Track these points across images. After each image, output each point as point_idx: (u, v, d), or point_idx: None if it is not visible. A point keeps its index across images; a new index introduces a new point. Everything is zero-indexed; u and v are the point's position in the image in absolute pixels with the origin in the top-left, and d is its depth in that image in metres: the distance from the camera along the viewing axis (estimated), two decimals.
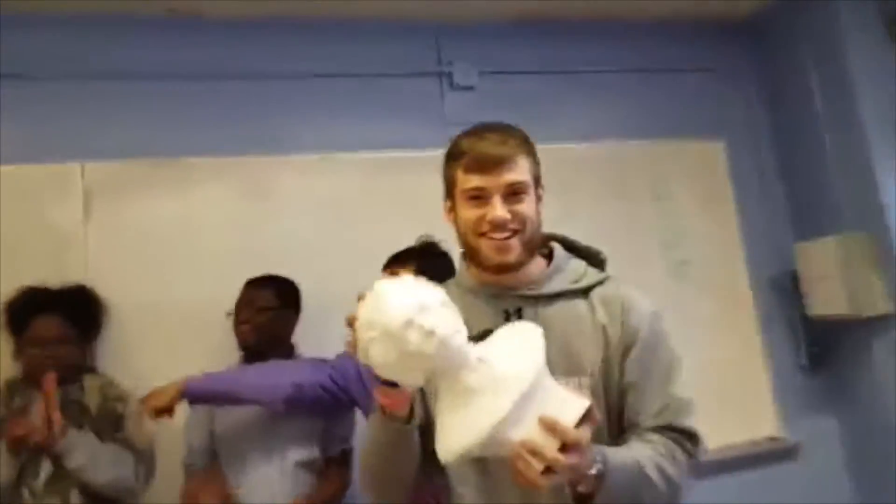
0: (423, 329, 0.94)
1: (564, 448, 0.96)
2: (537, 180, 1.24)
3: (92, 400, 1.94)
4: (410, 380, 1.00)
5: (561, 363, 1.14)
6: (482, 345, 1.04)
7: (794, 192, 3.06)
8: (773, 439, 2.85)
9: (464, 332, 1.00)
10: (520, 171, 1.19)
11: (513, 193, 1.18)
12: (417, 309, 0.95)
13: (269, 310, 2.14)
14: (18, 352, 1.97)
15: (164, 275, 2.33)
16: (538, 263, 1.25)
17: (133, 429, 1.95)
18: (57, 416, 1.79)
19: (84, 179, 2.32)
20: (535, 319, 1.16)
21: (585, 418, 1.00)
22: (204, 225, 2.42)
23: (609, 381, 1.18)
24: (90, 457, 1.84)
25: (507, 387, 0.96)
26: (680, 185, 2.96)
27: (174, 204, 2.41)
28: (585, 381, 1.17)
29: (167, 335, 2.28)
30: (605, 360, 1.18)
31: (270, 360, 2.10)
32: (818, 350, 2.94)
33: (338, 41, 2.66)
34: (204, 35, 2.52)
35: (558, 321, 1.19)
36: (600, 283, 1.25)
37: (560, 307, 1.21)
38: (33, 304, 1.97)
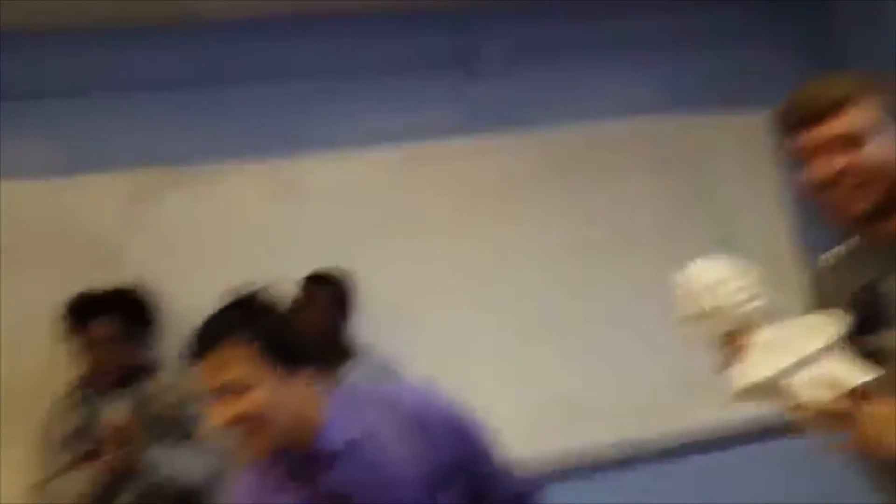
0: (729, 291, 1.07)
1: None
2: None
3: (158, 403, 2.04)
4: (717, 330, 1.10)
5: None
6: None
7: None
8: None
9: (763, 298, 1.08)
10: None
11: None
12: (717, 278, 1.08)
13: (324, 310, 2.20)
14: (80, 355, 2.07)
15: (207, 275, 2.37)
16: None
17: (202, 428, 2.02)
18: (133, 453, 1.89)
19: (127, 187, 2.41)
20: None
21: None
22: (240, 227, 2.48)
23: None
24: (171, 468, 1.96)
25: (794, 346, 1.04)
26: (724, 160, 2.90)
27: (212, 207, 2.47)
28: None
29: None
30: None
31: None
32: None
33: (357, 35, 2.65)
34: (228, 40, 2.56)
35: None
36: None
37: None
38: (88, 307, 2.07)
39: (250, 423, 1.12)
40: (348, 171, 2.58)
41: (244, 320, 1.17)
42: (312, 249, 2.42)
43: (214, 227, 2.47)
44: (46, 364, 2.15)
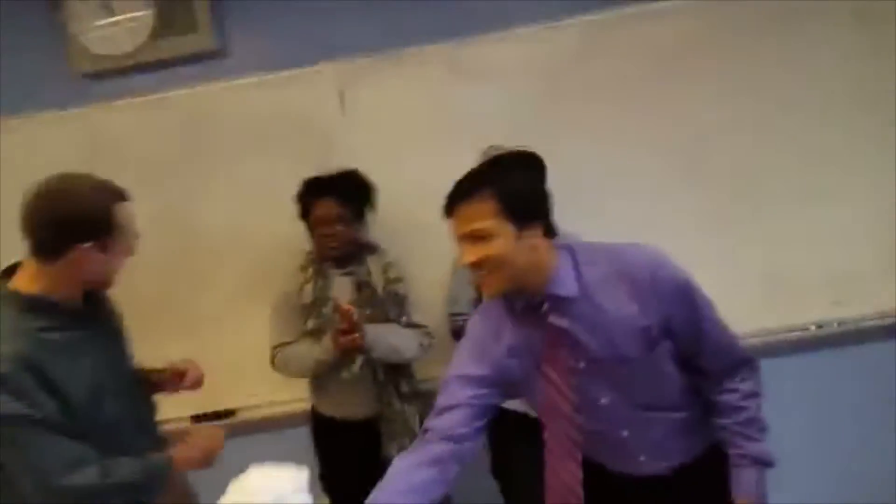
0: None
1: None
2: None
3: (377, 281, 2.27)
4: None
5: None
6: None
7: None
8: None
9: None
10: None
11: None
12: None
13: None
14: (311, 234, 2.31)
15: (417, 158, 2.54)
16: None
17: (411, 306, 2.31)
18: (359, 335, 2.15)
19: (337, 77, 2.58)
20: None
21: None
22: (443, 108, 2.57)
23: None
24: (388, 345, 2.21)
25: None
26: None
27: (416, 91, 2.58)
28: None
29: (422, 212, 2.53)
30: None
31: None
32: None
33: None
34: None
35: None
36: None
37: None
38: (312, 190, 2.28)
39: (490, 265, 1.33)
40: (537, 45, 2.56)
41: (492, 178, 1.34)
42: (503, 128, 2.44)
43: (417, 110, 2.58)
44: (288, 240, 2.41)
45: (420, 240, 2.46)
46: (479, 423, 1.45)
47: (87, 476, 1.42)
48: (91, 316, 1.58)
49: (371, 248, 2.37)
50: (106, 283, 1.57)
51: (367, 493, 1.43)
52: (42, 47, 2.60)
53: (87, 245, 1.45)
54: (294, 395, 2.51)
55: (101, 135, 2.57)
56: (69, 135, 2.57)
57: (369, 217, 2.37)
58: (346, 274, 2.29)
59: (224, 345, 2.55)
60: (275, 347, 2.31)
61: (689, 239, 2.33)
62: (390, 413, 2.25)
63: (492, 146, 2.15)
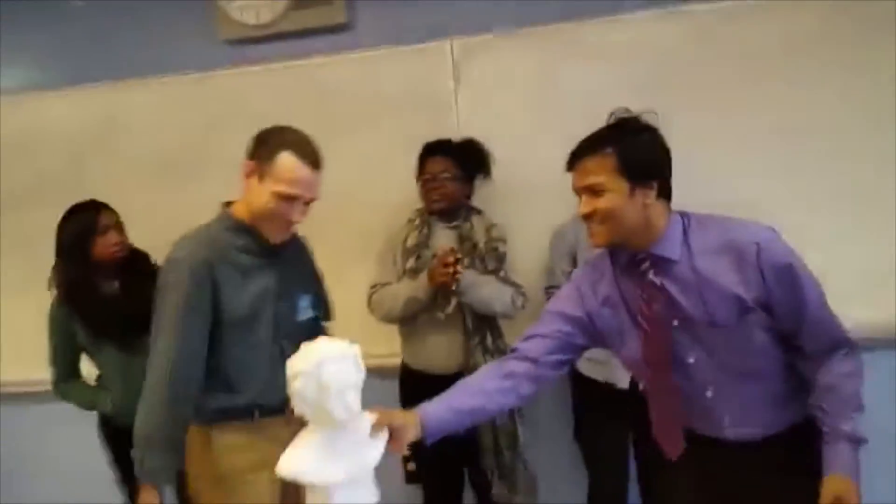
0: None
1: None
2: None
3: (479, 237, 2.39)
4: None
5: None
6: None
7: None
8: None
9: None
10: None
11: None
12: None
13: None
14: (423, 189, 2.45)
15: (524, 131, 2.68)
16: None
17: (508, 264, 2.40)
18: (456, 277, 2.25)
19: (454, 53, 2.75)
20: None
21: None
22: (555, 89, 2.69)
23: None
24: (481, 292, 2.31)
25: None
26: None
27: (527, 68, 2.71)
28: None
29: (529, 183, 2.65)
30: None
31: None
32: None
33: None
34: None
35: None
36: None
37: None
38: (429, 149, 2.45)
39: (600, 218, 1.44)
40: (653, 29, 2.64)
41: (614, 138, 1.45)
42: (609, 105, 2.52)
43: (529, 86, 2.72)
44: (398, 204, 2.60)
45: (523, 212, 2.60)
46: (560, 357, 1.57)
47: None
48: (281, 256, 1.84)
49: (477, 211, 2.49)
50: (261, 223, 1.77)
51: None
52: (192, 15, 2.91)
53: (253, 161, 1.73)
54: (390, 350, 2.66)
55: (237, 97, 2.83)
56: (209, 94, 2.85)
57: (480, 184, 2.50)
58: (451, 228, 2.42)
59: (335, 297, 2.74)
60: (373, 286, 2.45)
61: (795, 220, 2.36)
62: (474, 365, 2.31)
63: (620, 107, 2.25)
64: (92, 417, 2.55)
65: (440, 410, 1.49)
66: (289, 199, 1.72)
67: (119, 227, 2.42)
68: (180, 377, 1.70)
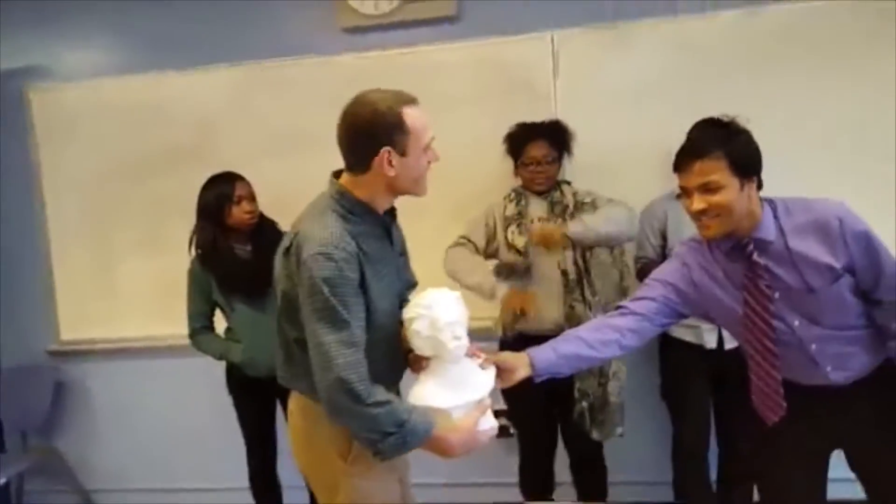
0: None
1: None
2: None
3: (568, 200, 2.63)
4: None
5: None
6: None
7: None
8: None
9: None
10: None
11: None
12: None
13: None
14: (516, 170, 2.70)
15: (619, 118, 2.92)
16: None
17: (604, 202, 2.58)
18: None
19: (553, 44, 2.98)
20: None
21: None
22: (645, 79, 2.91)
23: None
24: (597, 221, 2.49)
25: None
26: None
27: (621, 61, 2.93)
28: None
29: (617, 166, 2.90)
30: None
31: None
32: None
33: None
34: None
35: None
36: None
37: None
38: (527, 133, 2.66)
39: (715, 212, 1.66)
40: (746, 28, 2.85)
41: (723, 140, 1.67)
42: (707, 102, 2.72)
43: (618, 76, 2.94)
44: (495, 177, 2.87)
45: (614, 192, 2.78)
46: (663, 319, 1.84)
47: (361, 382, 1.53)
48: (390, 231, 1.75)
49: (566, 182, 2.72)
50: (417, 187, 1.67)
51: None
52: (315, 5, 3.17)
53: (386, 149, 1.58)
54: (485, 313, 2.88)
55: (353, 80, 3.03)
56: (326, 77, 3.11)
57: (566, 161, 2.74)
58: (543, 198, 2.66)
59: (433, 266, 2.98)
60: (460, 237, 2.67)
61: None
62: (572, 317, 2.50)
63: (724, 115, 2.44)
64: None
65: (548, 353, 1.76)
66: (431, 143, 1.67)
67: (252, 196, 2.70)
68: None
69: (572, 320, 2.46)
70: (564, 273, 2.55)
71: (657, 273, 1.89)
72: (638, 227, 2.62)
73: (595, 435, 2.56)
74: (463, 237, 2.68)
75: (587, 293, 2.54)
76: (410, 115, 1.60)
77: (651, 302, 1.82)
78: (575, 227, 2.48)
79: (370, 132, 1.59)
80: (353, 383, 1.51)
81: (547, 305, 2.54)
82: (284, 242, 1.68)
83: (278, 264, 1.70)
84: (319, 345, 1.54)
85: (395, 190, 1.67)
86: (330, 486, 1.73)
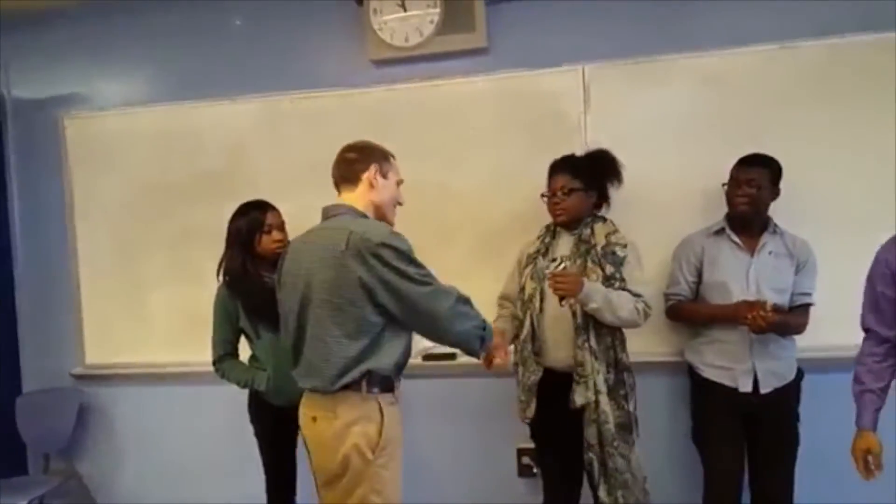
0: None
1: None
2: None
3: (599, 241, 2.52)
4: None
5: None
6: None
7: None
8: None
9: None
10: None
11: None
12: None
13: (760, 187, 2.52)
14: (548, 204, 2.61)
15: (648, 151, 2.88)
16: None
17: (629, 271, 2.46)
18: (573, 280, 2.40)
19: (584, 77, 2.97)
20: None
21: None
22: (675, 113, 2.89)
23: None
24: (604, 298, 2.37)
25: None
26: None
27: (651, 95, 2.92)
28: None
29: (646, 200, 2.86)
30: None
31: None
32: None
33: None
34: None
35: None
36: None
37: None
38: (552, 164, 2.61)
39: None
40: (777, 63, 2.83)
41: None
42: (736, 135, 2.77)
43: (648, 109, 2.93)
44: (520, 215, 2.90)
45: (647, 223, 2.80)
46: None
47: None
48: None
49: (602, 219, 2.62)
50: (389, 212, 2.19)
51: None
52: (344, 37, 3.21)
53: (375, 165, 2.13)
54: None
55: (382, 112, 3.11)
56: (356, 109, 3.14)
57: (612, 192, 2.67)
58: (572, 235, 2.58)
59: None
60: (497, 300, 2.74)
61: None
62: (580, 359, 2.42)
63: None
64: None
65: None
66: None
67: (282, 226, 2.72)
68: None
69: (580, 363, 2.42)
70: (574, 315, 2.46)
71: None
72: (644, 319, 2.47)
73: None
74: (500, 297, 2.74)
75: (592, 342, 2.44)
76: (391, 156, 2.22)
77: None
78: (594, 304, 2.38)
79: (364, 152, 2.17)
80: (465, 295, 2.03)
81: (559, 346, 2.49)
82: (338, 245, 1.97)
83: (326, 270, 2.00)
84: (428, 291, 1.97)
85: (376, 208, 2.16)
86: (355, 479, 2.01)
